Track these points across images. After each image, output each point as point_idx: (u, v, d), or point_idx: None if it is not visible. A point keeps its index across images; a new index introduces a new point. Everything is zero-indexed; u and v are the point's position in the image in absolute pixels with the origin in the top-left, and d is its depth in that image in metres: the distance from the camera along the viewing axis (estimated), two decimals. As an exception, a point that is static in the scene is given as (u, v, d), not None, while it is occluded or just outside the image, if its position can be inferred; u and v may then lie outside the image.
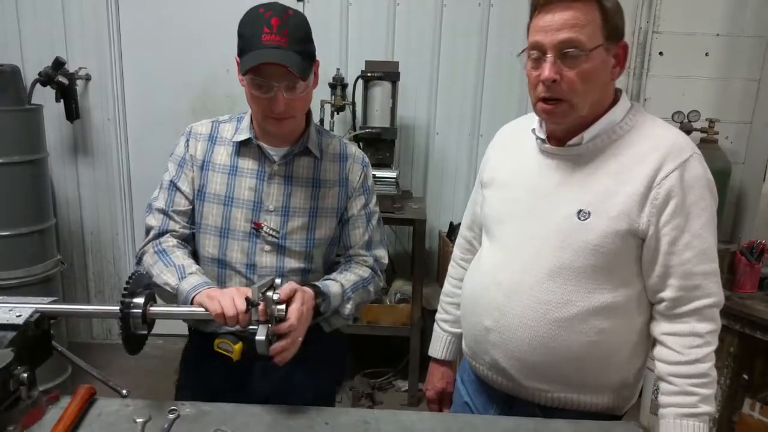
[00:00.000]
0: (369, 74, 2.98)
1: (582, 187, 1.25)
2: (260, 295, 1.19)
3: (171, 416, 1.22)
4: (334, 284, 1.43)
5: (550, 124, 1.29)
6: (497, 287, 1.32)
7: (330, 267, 1.57)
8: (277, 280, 1.26)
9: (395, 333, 3.11)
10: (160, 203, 1.49)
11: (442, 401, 1.63)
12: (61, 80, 3.13)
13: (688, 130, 3.04)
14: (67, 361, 1.32)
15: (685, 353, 1.20)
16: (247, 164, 1.47)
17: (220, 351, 1.34)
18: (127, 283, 1.21)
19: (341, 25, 3.32)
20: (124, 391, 1.25)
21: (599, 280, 1.23)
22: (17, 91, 2.82)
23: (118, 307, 1.19)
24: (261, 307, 1.19)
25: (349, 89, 3.19)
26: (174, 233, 1.48)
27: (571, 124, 1.26)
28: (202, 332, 1.50)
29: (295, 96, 1.34)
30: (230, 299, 1.21)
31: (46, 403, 1.24)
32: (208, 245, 1.47)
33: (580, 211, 1.23)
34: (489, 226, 1.41)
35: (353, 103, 3.18)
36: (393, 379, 3.28)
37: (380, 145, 3.04)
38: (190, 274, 1.36)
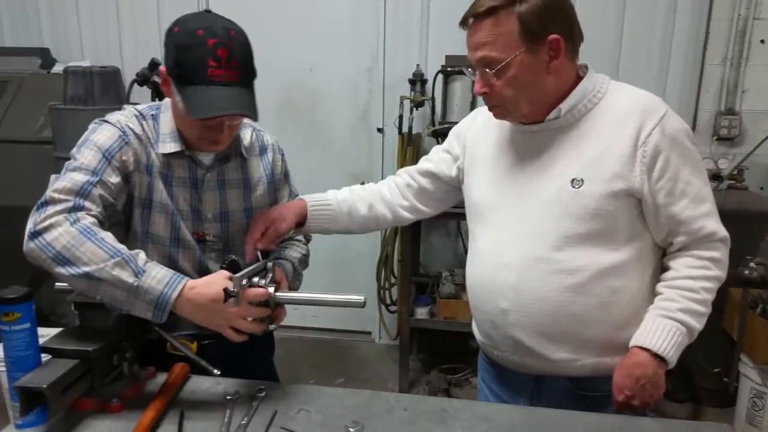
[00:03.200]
0: (449, 69, 2.97)
1: (570, 156, 1.28)
2: (246, 281, 1.22)
3: (259, 395, 1.28)
4: (286, 263, 1.49)
5: None
6: (507, 268, 1.31)
7: None
8: (269, 263, 1.31)
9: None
10: (79, 177, 1.23)
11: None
12: (157, 80, 3.32)
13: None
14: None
15: (682, 270, 1.28)
16: (179, 173, 1.38)
17: (175, 353, 1.33)
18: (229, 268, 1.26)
19: (422, 20, 3.32)
20: (216, 371, 1.32)
21: (604, 242, 1.26)
22: (117, 91, 3.03)
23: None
24: (253, 292, 1.23)
25: (429, 84, 3.19)
26: (89, 213, 1.22)
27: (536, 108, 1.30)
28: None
29: (237, 124, 1.35)
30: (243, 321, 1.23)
31: (145, 379, 1.32)
32: (155, 255, 1.36)
33: (573, 179, 1.25)
34: (480, 212, 1.41)
35: (432, 99, 3.18)
36: (470, 375, 3.26)
37: None
38: (146, 264, 1.19)
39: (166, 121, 1.37)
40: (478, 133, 1.47)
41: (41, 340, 1.19)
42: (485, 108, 1.38)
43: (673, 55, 3.20)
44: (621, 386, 1.26)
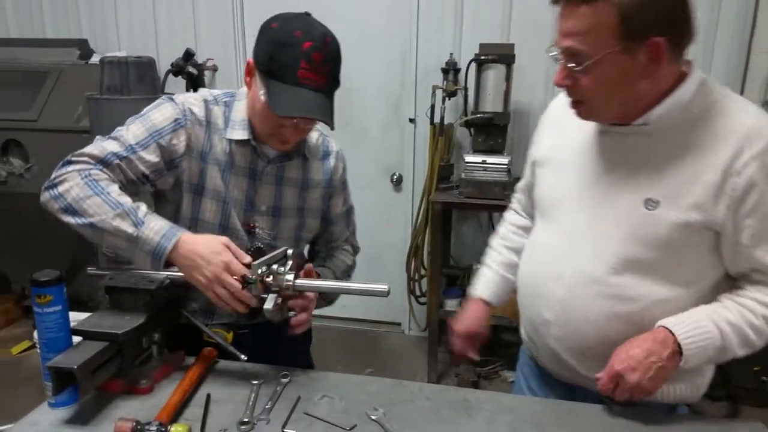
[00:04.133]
0: (483, 57, 2.92)
1: (650, 172, 1.14)
2: (265, 269, 1.21)
3: (284, 380, 1.28)
4: (327, 271, 1.49)
5: None
6: (557, 281, 1.24)
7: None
8: (289, 251, 1.29)
9: (505, 323, 3.04)
10: (112, 146, 1.28)
11: (469, 343, 1.50)
12: (191, 70, 3.37)
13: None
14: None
15: (752, 292, 1.14)
16: (240, 161, 1.38)
17: (210, 341, 1.34)
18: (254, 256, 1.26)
19: (456, 7, 3.28)
20: (243, 357, 1.33)
21: (667, 274, 1.15)
22: (153, 81, 3.08)
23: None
24: (270, 279, 1.22)
25: (462, 74, 3.15)
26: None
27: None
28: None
29: (310, 128, 1.35)
30: (230, 294, 1.18)
31: (173, 362, 1.34)
32: None
33: (648, 200, 1.12)
34: (544, 209, 1.33)
35: (465, 88, 3.13)
36: (500, 368, 3.23)
37: (492, 130, 2.97)
38: (146, 215, 1.21)
39: (240, 109, 1.38)
40: (557, 124, 1.35)
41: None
42: (563, 97, 1.27)
43: (718, 42, 3.06)
44: (628, 356, 1.11)
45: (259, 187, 1.41)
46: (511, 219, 1.58)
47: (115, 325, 1.21)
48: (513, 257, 1.48)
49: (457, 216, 3.43)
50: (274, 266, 1.25)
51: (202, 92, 1.41)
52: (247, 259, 1.20)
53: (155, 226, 1.20)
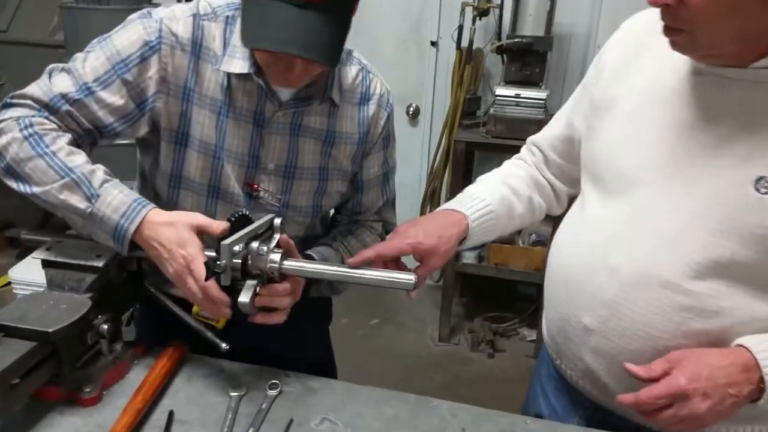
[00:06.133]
0: (523, -30, 2.48)
1: (765, 139, 0.83)
2: (240, 247, 0.91)
3: (271, 392, 0.99)
4: (329, 251, 1.14)
5: None
6: (611, 273, 0.92)
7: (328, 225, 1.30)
8: (276, 221, 0.97)
9: (525, 278, 2.76)
10: (61, 85, 0.98)
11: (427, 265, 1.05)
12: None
13: None
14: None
15: None
16: (241, 102, 1.04)
17: (201, 319, 1.06)
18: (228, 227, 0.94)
19: None
20: (224, 345, 1.04)
21: None
22: None
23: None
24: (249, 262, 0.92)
25: (497, -10, 2.72)
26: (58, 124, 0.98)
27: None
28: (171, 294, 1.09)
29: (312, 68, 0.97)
30: (194, 284, 0.90)
31: (131, 358, 1.05)
32: (191, 206, 1.08)
33: (761, 178, 0.82)
34: (602, 174, 0.99)
35: (501, 7, 2.71)
36: (518, 326, 2.98)
37: (530, 58, 2.59)
38: (102, 185, 0.93)
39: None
40: (631, 54, 0.99)
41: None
42: (643, 18, 0.96)
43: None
44: (703, 376, 0.82)
45: (267, 138, 1.07)
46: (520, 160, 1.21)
47: (46, 318, 0.92)
48: (513, 200, 1.13)
49: (481, 158, 3.06)
50: (254, 244, 0.92)
51: (199, 2, 1.05)
52: (222, 225, 0.92)
53: (113, 201, 0.93)
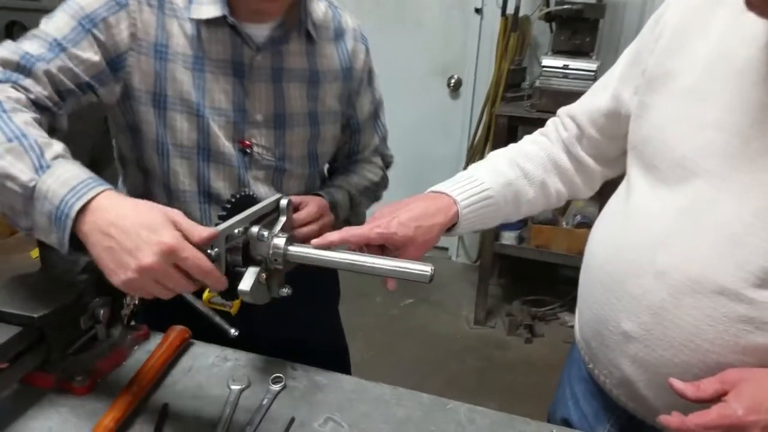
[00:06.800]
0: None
1: None
2: (240, 232, 0.81)
3: (275, 387, 0.92)
4: (339, 191, 1.15)
5: None
6: (658, 275, 0.79)
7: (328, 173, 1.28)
8: (283, 202, 0.89)
9: (567, 262, 2.61)
10: (30, 46, 0.89)
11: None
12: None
13: None
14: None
15: None
16: (216, 52, 0.99)
17: (213, 306, 0.99)
18: (229, 208, 0.86)
19: None
20: (233, 331, 0.98)
21: None
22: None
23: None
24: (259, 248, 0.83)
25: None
26: (26, 93, 0.86)
27: None
28: None
29: None
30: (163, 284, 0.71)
31: (131, 344, 0.99)
32: (182, 173, 1.02)
33: None
34: (653, 159, 0.85)
35: (549, -29, 2.54)
36: (559, 310, 2.84)
37: (580, 26, 2.45)
38: (56, 158, 0.76)
39: None
40: (693, 19, 0.83)
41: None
42: None
43: None
44: (748, 400, 0.69)
45: (250, 88, 1.03)
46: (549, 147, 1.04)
47: (34, 301, 0.86)
48: (523, 184, 0.99)
49: (524, 133, 2.87)
50: (254, 228, 0.83)
51: None
52: (205, 232, 0.74)
53: (64, 175, 0.73)
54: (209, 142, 1.01)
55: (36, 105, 0.86)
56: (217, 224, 0.81)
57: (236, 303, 1.01)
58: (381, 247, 0.90)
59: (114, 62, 0.94)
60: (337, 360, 1.42)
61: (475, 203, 0.95)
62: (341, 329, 1.40)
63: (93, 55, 0.91)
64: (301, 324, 1.12)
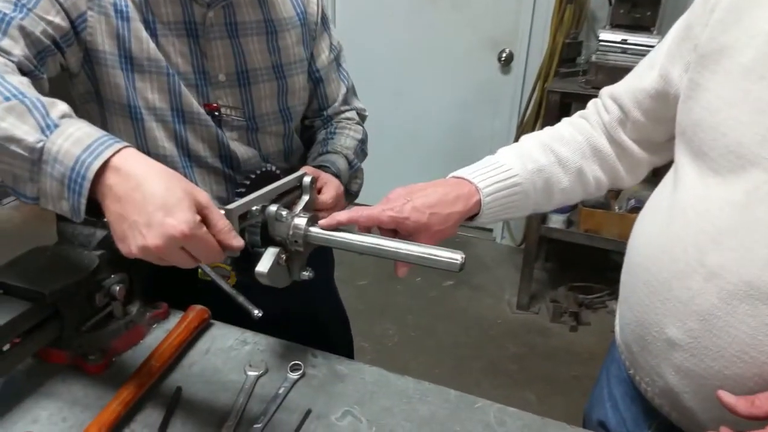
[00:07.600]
0: None
1: None
2: (257, 208, 0.76)
3: (293, 375, 0.87)
4: (338, 158, 1.11)
5: None
6: (709, 278, 0.68)
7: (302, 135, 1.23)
8: (306, 179, 0.85)
9: (619, 248, 2.47)
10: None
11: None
12: None
13: None
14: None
15: None
16: (166, 14, 0.95)
17: (207, 280, 0.92)
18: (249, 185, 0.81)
19: None
20: (257, 311, 0.92)
21: None
22: None
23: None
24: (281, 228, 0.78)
25: None
26: (8, 57, 0.81)
27: None
28: None
29: None
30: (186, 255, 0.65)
31: (150, 322, 0.96)
32: (159, 137, 0.98)
33: None
34: (705, 146, 0.72)
35: (611, -64, 2.35)
36: (607, 298, 2.71)
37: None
38: (63, 117, 0.69)
39: None
40: None
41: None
42: None
43: None
44: None
45: (207, 48, 0.99)
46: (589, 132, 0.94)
47: (46, 276, 0.83)
48: (556, 171, 0.90)
49: (577, 110, 2.72)
50: (272, 207, 0.78)
51: None
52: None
53: (76, 132, 0.66)
54: (182, 103, 0.97)
55: (20, 70, 0.81)
56: (234, 201, 0.76)
57: (233, 274, 0.96)
58: (393, 232, 0.83)
59: (76, 22, 0.89)
60: (340, 331, 1.38)
61: (500, 191, 0.86)
62: (340, 302, 1.39)
63: (55, 15, 0.86)
64: (300, 294, 1.02)
